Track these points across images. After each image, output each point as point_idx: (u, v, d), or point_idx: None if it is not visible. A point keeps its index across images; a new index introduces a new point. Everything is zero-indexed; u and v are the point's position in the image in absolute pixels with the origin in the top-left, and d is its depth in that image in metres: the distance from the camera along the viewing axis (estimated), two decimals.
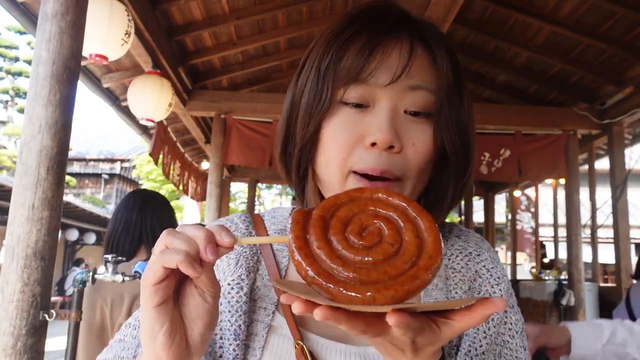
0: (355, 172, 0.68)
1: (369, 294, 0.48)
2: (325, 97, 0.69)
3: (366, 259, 0.51)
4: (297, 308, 0.48)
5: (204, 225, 0.59)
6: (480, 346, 0.72)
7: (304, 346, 0.70)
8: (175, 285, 0.58)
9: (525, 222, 10.09)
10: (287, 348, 0.72)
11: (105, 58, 3.15)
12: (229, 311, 0.72)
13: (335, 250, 0.52)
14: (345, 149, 0.68)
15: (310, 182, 0.76)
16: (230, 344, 0.71)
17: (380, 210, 0.55)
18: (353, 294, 0.48)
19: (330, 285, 0.49)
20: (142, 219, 2.21)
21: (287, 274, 0.78)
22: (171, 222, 2.32)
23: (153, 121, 4.35)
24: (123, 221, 2.21)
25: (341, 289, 0.49)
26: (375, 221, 0.54)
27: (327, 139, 0.69)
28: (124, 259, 1.85)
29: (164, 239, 0.56)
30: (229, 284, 0.74)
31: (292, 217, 0.55)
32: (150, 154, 5.37)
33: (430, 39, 0.71)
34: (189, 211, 11.66)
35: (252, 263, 0.77)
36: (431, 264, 0.50)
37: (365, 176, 0.67)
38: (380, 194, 0.56)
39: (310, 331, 0.72)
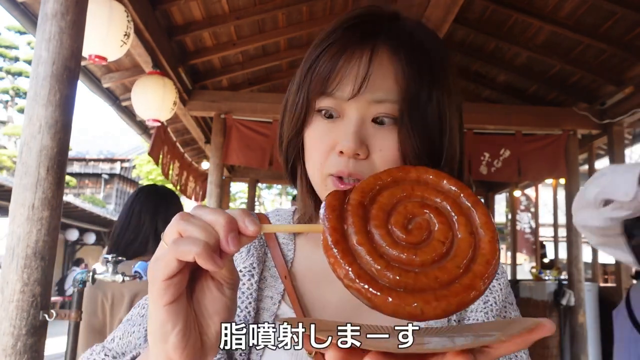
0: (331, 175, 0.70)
1: (415, 305, 0.40)
2: (302, 105, 0.71)
3: (413, 258, 0.43)
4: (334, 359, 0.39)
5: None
6: None
7: None
8: (188, 278, 0.51)
9: (525, 222, 10.08)
10: None
11: (104, 59, 3.14)
12: (239, 297, 0.73)
13: (378, 246, 0.44)
14: (322, 155, 0.70)
15: (300, 179, 0.77)
16: None
17: (429, 196, 0.47)
18: (398, 304, 0.40)
19: (373, 291, 0.41)
20: (150, 219, 2.14)
21: (294, 266, 0.79)
22: None
23: (159, 121, 4.31)
24: (131, 219, 2.14)
25: (385, 296, 0.40)
26: (425, 210, 0.46)
27: (307, 144, 0.73)
28: (124, 258, 1.85)
29: (177, 224, 0.48)
30: (240, 271, 0.75)
31: (326, 200, 0.47)
32: (149, 154, 5.38)
33: (395, 41, 0.69)
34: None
35: (261, 254, 0.78)
36: (487, 269, 0.42)
37: (339, 179, 0.69)
38: (429, 175, 0.49)
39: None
